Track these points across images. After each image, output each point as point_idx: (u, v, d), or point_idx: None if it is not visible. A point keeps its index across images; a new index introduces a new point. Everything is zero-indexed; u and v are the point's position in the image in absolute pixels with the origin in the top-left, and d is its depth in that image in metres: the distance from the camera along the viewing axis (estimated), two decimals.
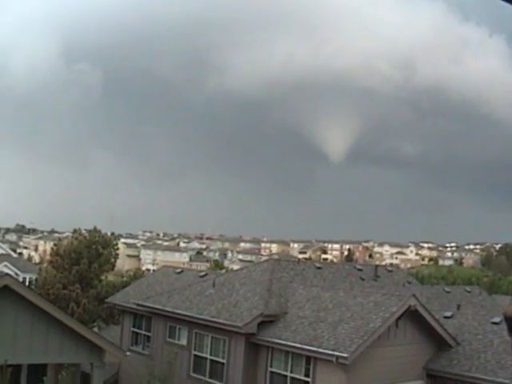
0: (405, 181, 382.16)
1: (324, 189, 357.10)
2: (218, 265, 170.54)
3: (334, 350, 20.58)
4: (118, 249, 53.56)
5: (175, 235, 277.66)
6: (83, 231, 50.10)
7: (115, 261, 51.54)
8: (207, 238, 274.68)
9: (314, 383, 21.45)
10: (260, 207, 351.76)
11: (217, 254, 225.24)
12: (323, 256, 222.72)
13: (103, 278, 48.89)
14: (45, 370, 22.47)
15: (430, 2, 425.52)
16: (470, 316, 26.94)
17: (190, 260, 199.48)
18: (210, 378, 24.78)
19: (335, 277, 30.42)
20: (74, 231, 50.38)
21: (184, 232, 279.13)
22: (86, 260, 45.29)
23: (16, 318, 20.52)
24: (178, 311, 26.26)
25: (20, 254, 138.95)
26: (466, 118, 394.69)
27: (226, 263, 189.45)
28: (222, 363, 24.34)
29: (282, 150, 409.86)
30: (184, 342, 26.25)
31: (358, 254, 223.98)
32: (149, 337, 29.09)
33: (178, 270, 35.93)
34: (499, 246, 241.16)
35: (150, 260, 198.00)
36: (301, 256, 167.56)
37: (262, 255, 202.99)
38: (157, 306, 27.57)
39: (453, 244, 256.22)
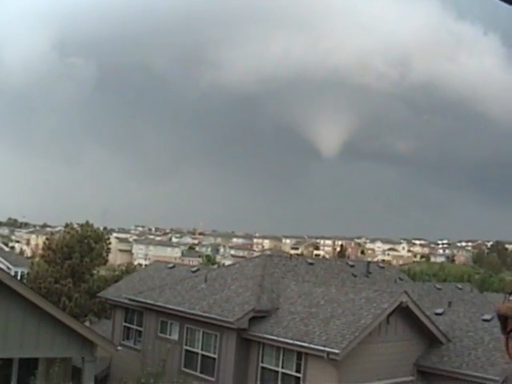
0: (398, 177, 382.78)
1: (317, 185, 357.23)
2: (210, 260, 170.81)
3: (325, 346, 20.62)
4: (110, 243, 53.50)
5: (167, 230, 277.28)
6: (75, 225, 50.00)
7: (107, 255, 51.45)
8: (199, 234, 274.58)
9: (305, 379, 21.50)
10: (253, 203, 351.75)
11: (209, 250, 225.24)
12: (315, 252, 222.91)
13: (95, 272, 48.85)
14: (36, 364, 22.43)
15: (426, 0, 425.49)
16: (461, 313, 27.02)
17: (182, 255, 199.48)
18: (201, 373, 24.80)
19: (327, 273, 30.46)
20: (66, 225, 50.30)
21: (176, 227, 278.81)
22: (78, 254, 45.23)
23: (7, 311, 20.49)
24: (170, 306, 26.26)
25: (12, 247, 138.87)
26: (460, 116, 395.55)
27: (218, 258, 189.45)
28: (214, 358, 24.37)
29: (275, 145, 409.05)
30: (175, 336, 26.25)
31: (350, 250, 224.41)
32: (140, 331, 29.10)
33: (170, 265, 35.90)
34: (491, 243, 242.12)
35: (142, 255, 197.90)
36: (293, 252, 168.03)
37: (254, 251, 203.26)
38: (148, 301, 27.57)
39: (445, 241, 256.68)
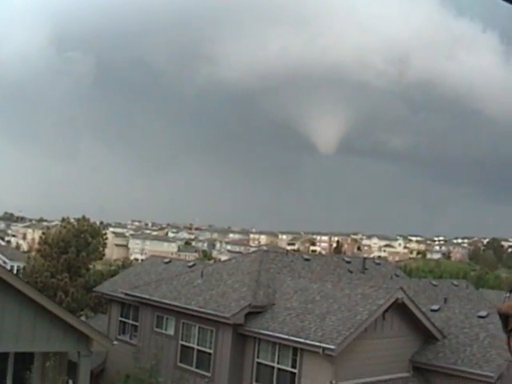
0: (395, 174, 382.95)
1: (314, 181, 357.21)
2: (206, 255, 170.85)
3: (320, 342, 20.65)
4: (106, 238, 53.53)
5: (164, 225, 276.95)
6: (72, 220, 50.03)
7: (103, 250, 51.49)
8: (196, 229, 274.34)
9: (301, 374, 21.54)
10: (249, 198, 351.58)
11: (205, 245, 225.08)
12: (312, 248, 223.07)
13: (91, 266, 48.87)
14: (32, 359, 22.43)
15: None
16: (456, 309, 27.08)
17: (179, 250, 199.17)
18: (197, 367, 24.83)
19: (323, 269, 30.49)
20: (63, 220, 50.33)
21: (173, 222, 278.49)
22: (74, 249, 45.23)
23: (3, 306, 20.46)
24: (166, 301, 26.27)
25: (8, 242, 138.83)
26: (457, 114, 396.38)
27: (215, 254, 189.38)
28: (209, 353, 24.40)
29: (272, 141, 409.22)
30: (171, 331, 26.27)
31: (346, 246, 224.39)
32: (136, 326, 29.12)
33: (167, 260, 35.91)
34: (487, 240, 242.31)
35: (138, 249, 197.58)
36: (289, 247, 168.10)
37: (251, 246, 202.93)
38: (144, 296, 27.58)
39: (441, 238, 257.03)
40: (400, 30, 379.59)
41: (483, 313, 25.64)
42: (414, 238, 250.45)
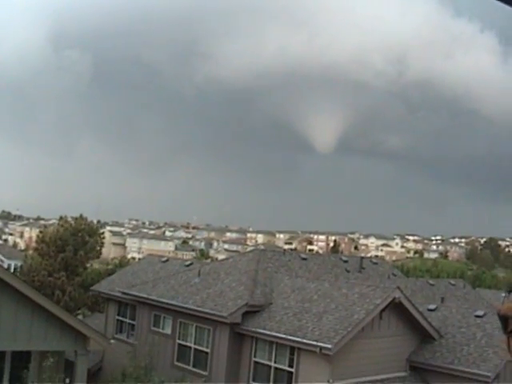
0: (393, 173, 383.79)
1: (311, 180, 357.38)
2: (203, 254, 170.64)
3: (317, 341, 20.65)
4: (103, 237, 53.56)
5: (161, 224, 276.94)
6: (69, 219, 50.01)
7: (101, 249, 51.50)
8: (193, 228, 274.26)
9: (298, 374, 21.54)
10: (247, 197, 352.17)
11: (203, 244, 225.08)
12: (309, 247, 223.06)
13: (89, 265, 48.89)
14: (29, 358, 22.43)
15: None
16: (453, 309, 27.09)
17: (176, 249, 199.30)
18: (194, 367, 24.83)
19: (320, 268, 30.50)
20: (60, 218, 50.31)
21: (170, 221, 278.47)
22: (71, 247, 45.22)
23: (0, 304, 20.46)
24: (163, 300, 26.27)
25: (5, 240, 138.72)
26: (455, 114, 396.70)
27: (212, 253, 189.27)
28: (206, 352, 24.39)
29: (269, 140, 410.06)
30: (168, 330, 26.27)
31: (343, 245, 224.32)
32: (133, 325, 29.10)
33: (164, 259, 35.89)
34: (484, 240, 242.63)
35: (135, 248, 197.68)
36: (286, 247, 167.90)
37: (248, 245, 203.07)
38: (142, 295, 27.57)
39: (438, 237, 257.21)
40: (398, 29, 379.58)
41: (480, 312, 25.67)
42: (411, 238, 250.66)
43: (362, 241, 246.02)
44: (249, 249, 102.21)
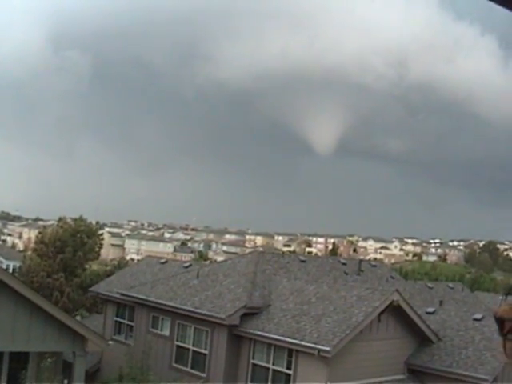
0: (392, 176, 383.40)
1: (310, 182, 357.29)
2: (202, 256, 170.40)
3: (316, 344, 20.65)
4: (102, 238, 53.59)
5: (160, 225, 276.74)
6: (68, 220, 50.03)
7: (100, 250, 51.55)
8: (192, 229, 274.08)
9: (296, 376, 21.53)
10: (246, 199, 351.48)
11: (201, 245, 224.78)
12: (308, 249, 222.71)
13: (87, 266, 48.87)
14: (27, 359, 22.43)
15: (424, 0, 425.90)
16: (452, 312, 27.11)
17: (175, 250, 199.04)
18: (192, 368, 24.81)
19: (319, 270, 30.49)
20: (59, 219, 50.36)
21: (169, 222, 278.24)
22: (70, 248, 45.23)
23: None
24: (162, 301, 26.25)
25: (4, 241, 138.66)
26: (455, 117, 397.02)
27: (211, 254, 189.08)
28: (204, 354, 24.38)
29: (269, 142, 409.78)
30: (167, 332, 26.26)
31: (342, 248, 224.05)
32: (132, 326, 29.09)
33: (163, 261, 35.85)
34: (483, 243, 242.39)
35: (134, 250, 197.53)
36: (285, 249, 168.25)
37: (247, 247, 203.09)
38: (140, 296, 27.55)
39: (437, 240, 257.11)
40: (399, 33, 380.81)
41: (478, 315, 25.68)
42: (409, 241, 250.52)
43: (361, 243, 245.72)
44: (247, 251, 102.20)
